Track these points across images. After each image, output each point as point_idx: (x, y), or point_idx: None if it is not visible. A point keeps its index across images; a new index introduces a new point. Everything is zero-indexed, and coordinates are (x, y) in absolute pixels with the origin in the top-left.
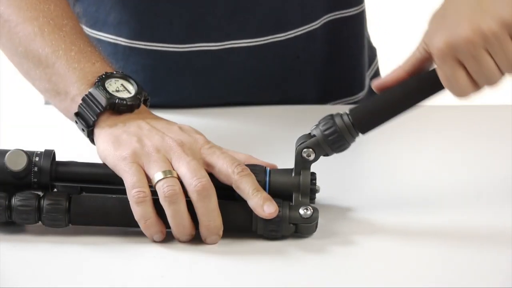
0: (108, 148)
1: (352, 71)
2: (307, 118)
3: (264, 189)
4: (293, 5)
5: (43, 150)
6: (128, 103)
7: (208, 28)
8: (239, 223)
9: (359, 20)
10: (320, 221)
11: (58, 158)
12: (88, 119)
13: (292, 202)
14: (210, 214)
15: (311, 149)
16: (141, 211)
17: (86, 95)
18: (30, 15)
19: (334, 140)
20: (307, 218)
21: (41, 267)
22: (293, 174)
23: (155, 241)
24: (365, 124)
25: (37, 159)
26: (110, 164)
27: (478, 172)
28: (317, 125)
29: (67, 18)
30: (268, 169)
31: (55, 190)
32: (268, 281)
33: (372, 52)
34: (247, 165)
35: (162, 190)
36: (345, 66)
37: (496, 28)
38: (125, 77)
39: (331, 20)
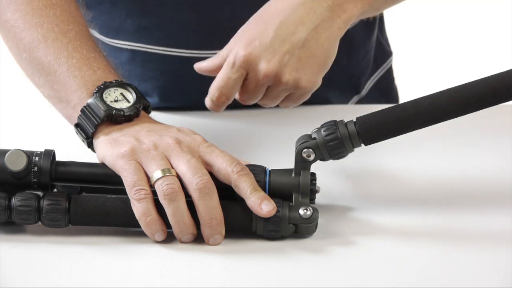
0: (106, 148)
1: (359, 74)
2: (310, 117)
3: (264, 189)
4: None
5: (43, 150)
6: (126, 113)
7: (227, 34)
8: (238, 223)
9: (371, 24)
10: (320, 221)
11: (58, 158)
12: (87, 131)
13: (292, 202)
14: (212, 212)
15: (311, 149)
16: (142, 208)
17: (84, 106)
18: (35, 21)
19: (334, 146)
20: (307, 218)
21: (41, 267)
22: (293, 175)
23: (155, 241)
24: (371, 136)
25: (37, 159)
26: (109, 163)
27: (478, 172)
28: (319, 129)
29: (73, 23)
30: (268, 169)
31: (55, 190)
32: (268, 281)
33: (383, 55)
34: (247, 165)
35: (161, 188)
36: (356, 71)
37: None
38: (124, 85)
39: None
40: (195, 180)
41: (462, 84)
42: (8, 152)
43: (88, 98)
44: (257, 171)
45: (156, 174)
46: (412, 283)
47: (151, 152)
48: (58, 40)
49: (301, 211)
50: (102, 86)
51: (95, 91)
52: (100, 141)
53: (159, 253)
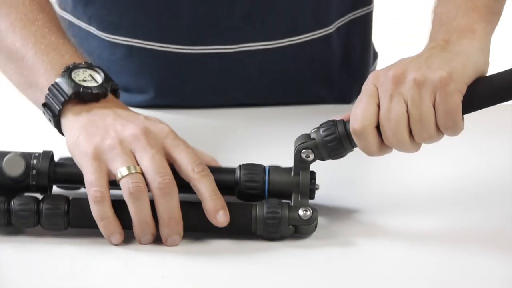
0: (73, 144)
1: (360, 72)
2: (309, 117)
3: (264, 188)
4: (306, 9)
5: (41, 152)
6: (94, 91)
7: (225, 31)
8: (238, 224)
9: (366, 21)
10: (320, 221)
11: (57, 158)
12: (54, 109)
13: (291, 202)
14: (172, 211)
15: (310, 150)
16: (98, 210)
17: (52, 85)
18: (4, 12)
19: (333, 146)
20: (306, 219)
21: (41, 268)
22: (292, 174)
23: (152, 242)
24: None
25: (35, 161)
26: (76, 161)
27: (478, 173)
28: (318, 129)
29: (42, 12)
30: (267, 168)
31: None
32: (268, 281)
33: (374, 56)
34: (247, 164)
35: (126, 186)
36: (356, 68)
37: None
38: (92, 67)
39: (344, 24)
40: (157, 179)
41: None
42: (6, 158)
43: (56, 79)
44: (257, 171)
45: (122, 170)
46: (412, 283)
47: (116, 147)
48: (26, 27)
49: (301, 212)
50: (70, 66)
51: (63, 71)
52: (67, 125)
53: (159, 253)
